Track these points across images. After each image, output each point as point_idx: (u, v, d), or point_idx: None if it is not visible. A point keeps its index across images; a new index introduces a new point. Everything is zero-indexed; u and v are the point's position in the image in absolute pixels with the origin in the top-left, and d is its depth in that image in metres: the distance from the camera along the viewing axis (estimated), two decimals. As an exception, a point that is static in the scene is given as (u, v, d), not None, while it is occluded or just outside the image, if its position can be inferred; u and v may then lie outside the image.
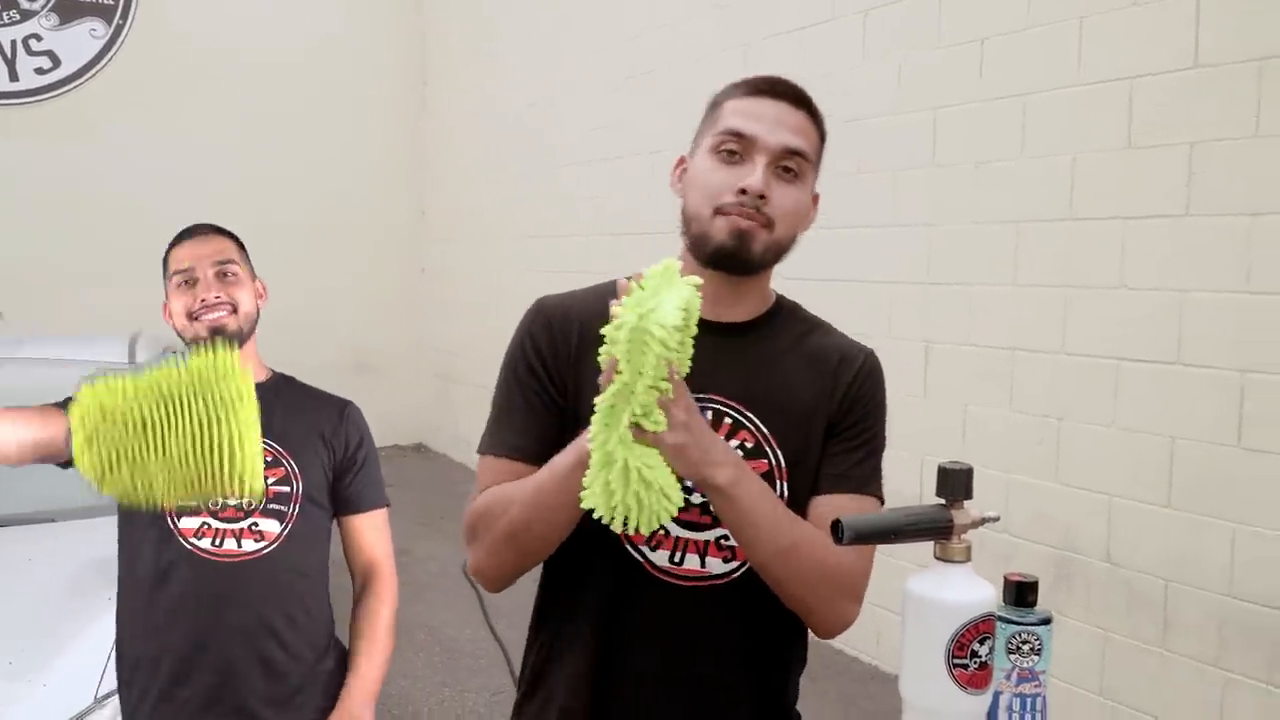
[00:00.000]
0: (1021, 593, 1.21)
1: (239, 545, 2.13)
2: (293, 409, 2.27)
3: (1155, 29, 3.64)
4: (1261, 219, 3.34)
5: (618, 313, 1.22)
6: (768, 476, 1.47)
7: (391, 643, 2.29)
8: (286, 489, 2.19)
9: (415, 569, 6.25)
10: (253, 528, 2.15)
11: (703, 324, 1.45)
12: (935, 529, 1.18)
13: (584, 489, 1.28)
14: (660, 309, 1.20)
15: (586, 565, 1.51)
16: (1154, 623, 3.65)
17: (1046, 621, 1.20)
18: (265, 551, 2.15)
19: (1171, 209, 3.60)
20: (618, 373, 1.23)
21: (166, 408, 1.55)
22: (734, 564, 1.48)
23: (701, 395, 1.46)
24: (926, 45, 4.53)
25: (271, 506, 2.18)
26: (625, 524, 1.28)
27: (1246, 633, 3.37)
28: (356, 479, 2.30)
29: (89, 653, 2.54)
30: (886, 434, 1.58)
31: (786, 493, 1.49)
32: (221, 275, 2.15)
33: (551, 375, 1.52)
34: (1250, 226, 3.37)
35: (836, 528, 1.16)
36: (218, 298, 2.13)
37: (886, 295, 4.69)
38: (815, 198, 1.56)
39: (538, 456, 1.47)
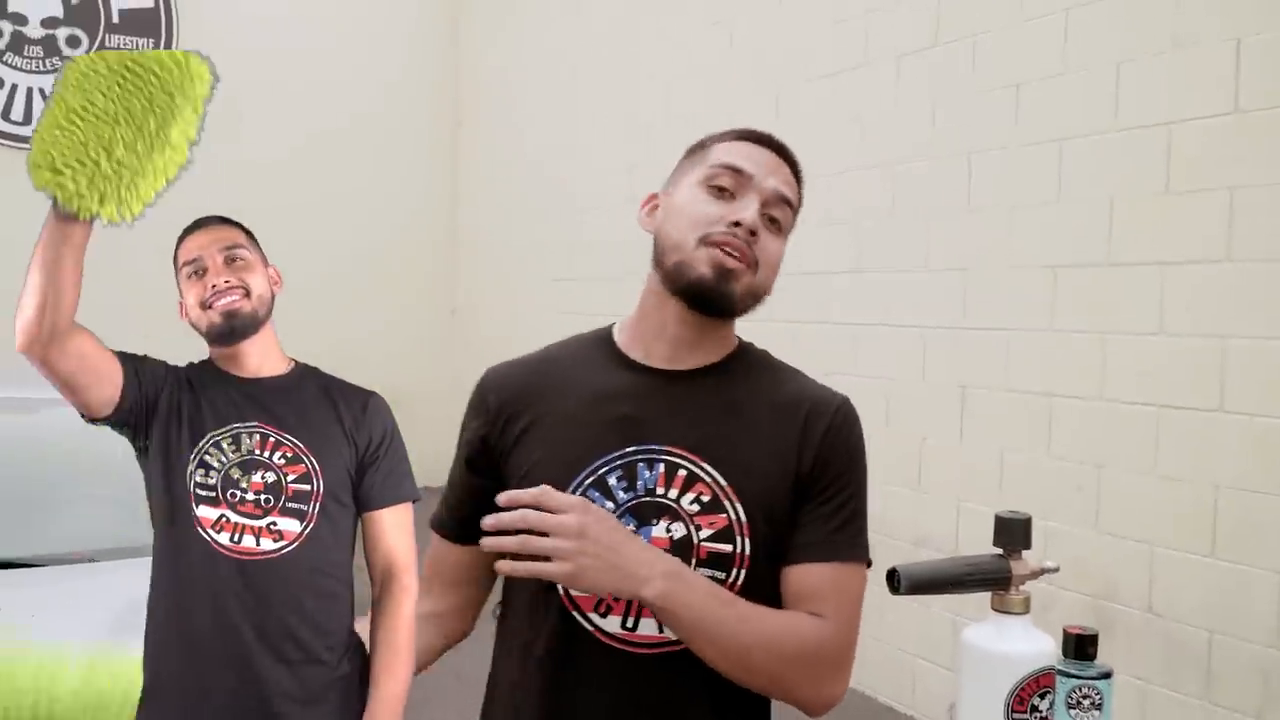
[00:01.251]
0: (1082, 645, 1.18)
1: (257, 544, 2.08)
2: (314, 403, 2.20)
3: (1194, 73, 3.63)
4: (1304, 265, 3.31)
5: None
6: (726, 532, 1.37)
7: (413, 652, 2.10)
8: (307, 487, 2.13)
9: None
10: (271, 527, 2.09)
11: (659, 373, 1.45)
12: (993, 580, 1.15)
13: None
14: None
15: (534, 631, 1.43)
16: (1196, 674, 3.58)
17: (1107, 675, 1.17)
18: (284, 552, 2.09)
19: (1211, 254, 3.57)
20: None
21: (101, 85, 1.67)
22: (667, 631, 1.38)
23: (655, 447, 1.40)
24: (961, 89, 4.53)
25: (291, 505, 2.11)
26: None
27: (1293, 686, 3.30)
28: (378, 473, 2.21)
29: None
30: (869, 492, 1.45)
31: (747, 549, 1.37)
32: (231, 261, 2.13)
33: (480, 445, 1.53)
34: (1293, 272, 3.34)
35: (892, 577, 1.14)
36: (228, 282, 2.11)
37: (919, 340, 4.66)
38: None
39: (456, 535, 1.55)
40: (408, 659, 2.11)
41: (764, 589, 1.38)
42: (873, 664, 4.54)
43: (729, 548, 1.37)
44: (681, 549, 1.36)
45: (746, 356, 1.52)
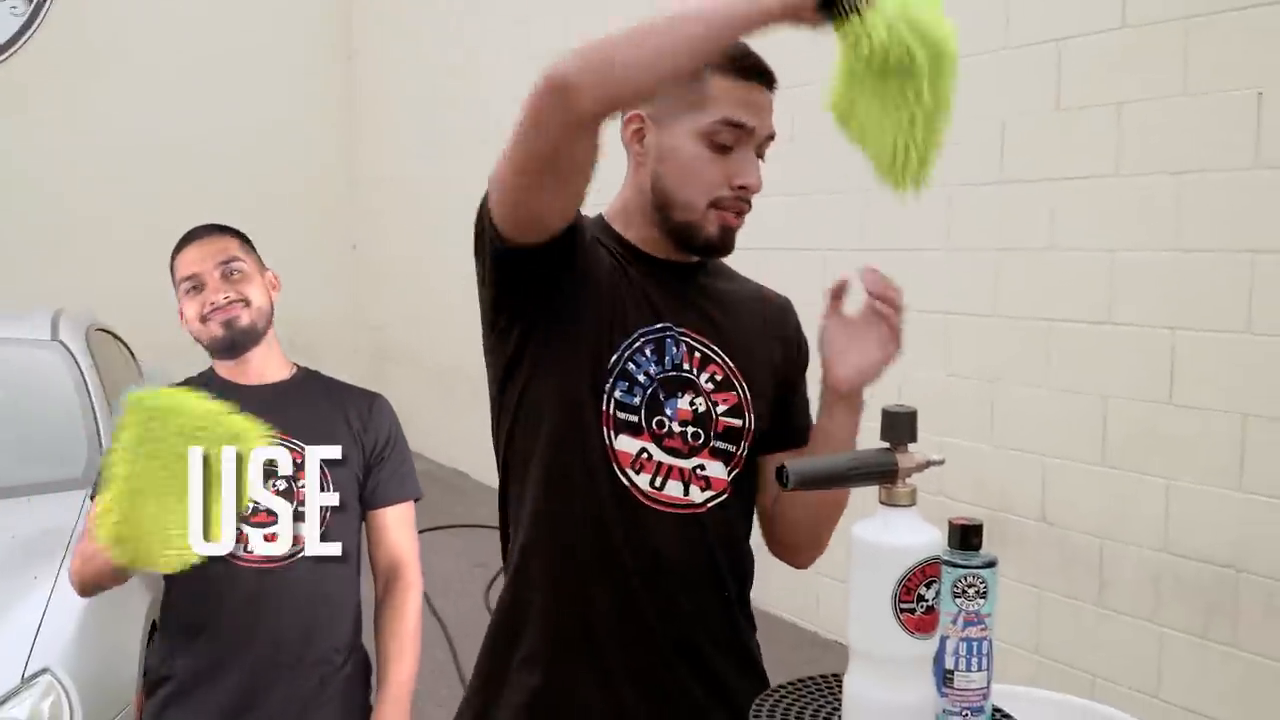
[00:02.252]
0: (966, 536, 1.19)
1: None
2: (318, 406, 2.20)
3: (1083, -10, 3.66)
4: (1187, 176, 3.37)
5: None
6: (737, 408, 1.52)
7: (419, 642, 2.20)
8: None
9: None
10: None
11: (662, 263, 1.55)
12: (880, 473, 1.15)
13: None
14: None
15: (566, 489, 1.49)
16: (1089, 580, 3.69)
17: (991, 564, 1.18)
18: (297, 556, 2.07)
19: (1100, 170, 3.62)
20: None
21: (148, 455, 1.65)
22: (709, 493, 1.50)
23: (675, 328, 1.51)
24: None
25: (303, 510, 2.09)
26: None
27: (1181, 587, 3.42)
28: (384, 472, 2.23)
29: (15, 634, 2.47)
30: None
31: (753, 424, 1.53)
32: (228, 274, 2.12)
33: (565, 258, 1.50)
34: (1178, 185, 3.40)
35: (781, 473, 1.14)
36: (227, 298, 2.10)
37: (820, 262, 4.68)
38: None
39: None
40: (415, 649, 2.18)
41: (753, 467, 1.56)
42: (776, 582, 4.60)
43: (739, 422, 1.52)
44: (702, 421, 1.50)
45: (714, 260, 1.63)
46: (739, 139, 1.47)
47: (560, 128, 1.30)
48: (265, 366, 2.20)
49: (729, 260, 1.63)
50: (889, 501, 1.16)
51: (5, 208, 8.06)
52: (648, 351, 1.49)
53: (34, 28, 8.45)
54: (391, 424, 2.27)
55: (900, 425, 1.17)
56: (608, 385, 1.47)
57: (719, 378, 1.52)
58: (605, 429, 1.46)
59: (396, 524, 2.23)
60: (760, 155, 1.51)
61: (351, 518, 2.18)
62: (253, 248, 2.23)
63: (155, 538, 1.66)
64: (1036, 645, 3.85)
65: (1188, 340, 3.39)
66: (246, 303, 2.11)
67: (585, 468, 1.47)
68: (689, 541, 1.49)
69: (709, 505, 1.50)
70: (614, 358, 1.47)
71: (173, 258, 2.17)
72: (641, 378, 1.48)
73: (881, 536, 1.14)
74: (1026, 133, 3.87)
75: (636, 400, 1.48)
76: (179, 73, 8.82)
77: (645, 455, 1.47)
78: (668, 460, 1.48)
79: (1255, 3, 3.19)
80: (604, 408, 1.47)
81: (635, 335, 1.49)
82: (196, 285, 2.11)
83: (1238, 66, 3.25)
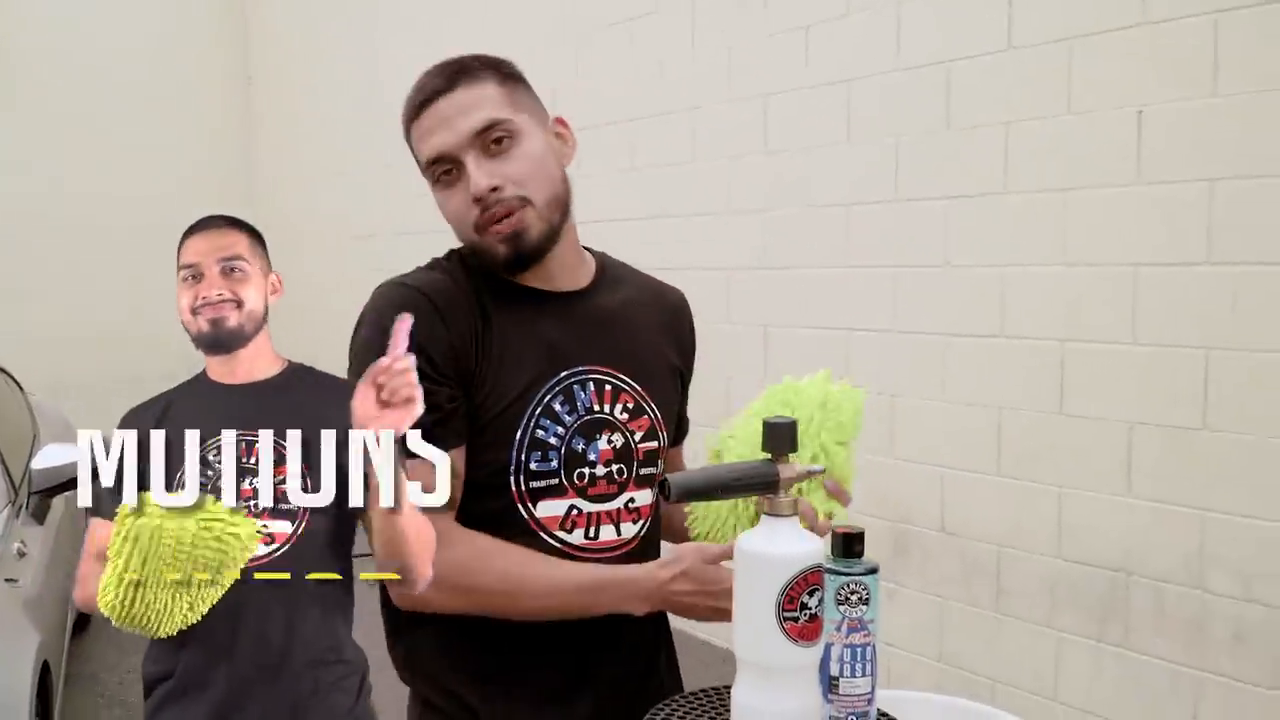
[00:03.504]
0: (849, 543, 1.21)
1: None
2: (308, 403, 2.13)
3: (970, 13, 3.75)
4: (1074, 193, 3.47)
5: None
6: (651, 430, 1.53)
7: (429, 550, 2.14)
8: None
9: (256, 580, 6.03)
10: (262, 530, 1.97)
11: (546, 295, 1.49)
12: (761, 484, 1.17)
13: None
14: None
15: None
16: (988, 588, 3.77)
17: (873, 571, 1.20)
18: (277, 554, 2.03)
19: (990, 187, 3.72)
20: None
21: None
22: (641, 523, 1.53)
23: (581, 368, 1.48)
24: (755, 34, 4.58)
25: (282, 507, 1.98)
26: None
27: (1075, 593, 3.51)
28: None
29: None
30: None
31: (665, 443, 1.56)
32: (228, 271, 2.07)
33: (448, 365, 1.44)
34: (1064, 200, 3.50)
35: (663, 486, 1.15)
36: (220, 295, 2.05)
37: (724, 281, 4.73)
38: (558, 120, 1.51)
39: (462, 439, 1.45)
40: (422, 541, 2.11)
41: None
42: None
43: (655, 444, 1.54)
44: (623, 455, 1.50)
45: (609, 268, 1.60)
46: (448, 164, 1.44)
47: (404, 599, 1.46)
48: (254, 365, 2.15)
49: (623, 255, 1.63)
50: (771, 511, 1.17)
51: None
52: (556, 406, 1.46)
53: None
54: None
55: (781, 436, 1.19)
56: (520, 460, 1.44)
57: (630, 405, 1.51)
58: (521, 505, 1.44)
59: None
60: (489, 146, 1.42)
61: (337, 521, 2.12)
62: (263, 247, 2.18)
63: (159, 617, 1.64)
64: (939, 653, 3.92)
65: (1076, 352, 3.48)
66: (239, 304, 2.06)
67: (512, 540, 1.45)
68: None
69: (640, 535, 1.53)
70: (519, 433, 1.44)
71: (180, 243, 2.13)
72: (553, 439, 1.45)
73: (764, 546, 1.15)
74: (920, 151, 3.96)
75: (554, 464, 1.45)
76: (68, 102, 8.59)
77: (575, 512, 1.47)
78: (596, 508, 1.48)
79: (1135, 23, 3.30)
80: (515, 488, 1.44)
81: (538, 396, 1.45)
82: (195, 275, 2.07)
83: (1118, 85, 3.36)
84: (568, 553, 1.46)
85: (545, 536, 1.45)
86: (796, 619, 1.14)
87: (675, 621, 1.63)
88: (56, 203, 8.48)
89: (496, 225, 1.42)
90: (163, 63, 9.06)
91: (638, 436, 1.52)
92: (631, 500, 1.50)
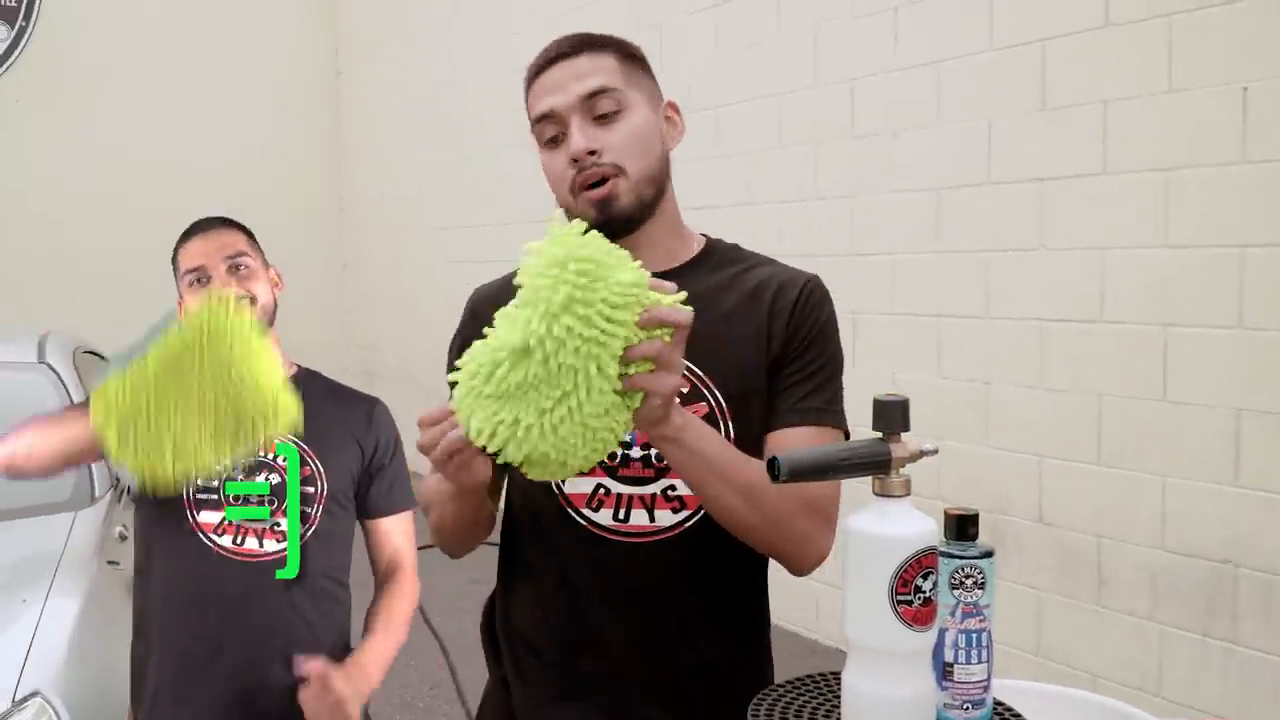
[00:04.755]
0: (962, 526, 1.17)
1: (260, 545, 2.03)
2: (318, 407, 2.12)
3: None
4: (1176, 173, 3.37)
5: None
6: (708, 419, 1.43)
7: (406, 634, 2.16)
8: (311, 489, 2.09)
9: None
10: (275, 527, 2.05)
11: None
12: (873, 463, 1.13)
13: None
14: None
15: (535, 531, 1.52)
16: (1088, 580, 3.68)
17: (989, 555, 1.16)
18: (278, 554, 2.06)
19: (1087, 168, 3.62)
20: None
21: (182, 365, 1.59)
22: (684, 514, 1.44)
23: None
24: (843, 16, 4.52)
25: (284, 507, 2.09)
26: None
27: (1179, 585, 3.41)
28: (384, 481, 2.21)
29: (5, 657, 2.43)
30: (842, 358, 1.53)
31: (732, 433, 1.43)
32: (234, 269, 2.08)
33: None
34: (1166, 181, 3.40)
35: (773, 465, 1.12)
36: (234, 294, 2.02)
37: (811, 267, 4.66)
38: (670, 105, 1.53)
39: None
40: (401, 634, 2.15)
41: None
42: (776, 591, 4.59)
43: None
44: None
45: (715, 252, 1.57)
46: (558, 124, 1.47)
47: None
48: None
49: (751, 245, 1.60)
50: (883, 492, 1.14)
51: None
52: None
53: (20, 48, 8.42)
54: (391, 431, 2.25)
55: (892, 414, 1.15)
56: None
57: (684, 390, 1.42)
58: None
59: (398, 533, 2.22)
60: (596, 117, 1.45)
61: (346, 518, 2.16)
62: (257, 244, 2.20)
63: (165, 443, 1.61)
64: (1037, 647, 3.83)
65: (1180, 336, 3.38)
66: (253, 300, 2.06)
67: (543, 515, 1.48)
68: (661, 565, 1.45)
69: (684, 526, 1.45)
70: None
71: (176, 248, 2.13)
72: None
73: (877, 527, 1.12)
74: (1013, 133, 3.87)
75: None
76: (166, 93, 8.81)
77: (602, 491, 1.44)
78: (628, 490, 1.44)
79: (1237, -3, 3.19)
80: None
81: None
82: (201, 278, 2.06)
83: (1222, 61, 3.25)
84: (594, 534, 1.45)
85: (571, 513, 1.46)
86: (910, 602, 1.10)
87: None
88: (150, 192, 8.68)
89: (589, 190, 1.43)
90: (256, 59, 9.23)
91: None
92: (672, 488, 1.43)
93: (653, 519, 1.44)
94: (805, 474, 1.13)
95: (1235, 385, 3.24)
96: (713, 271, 1.53)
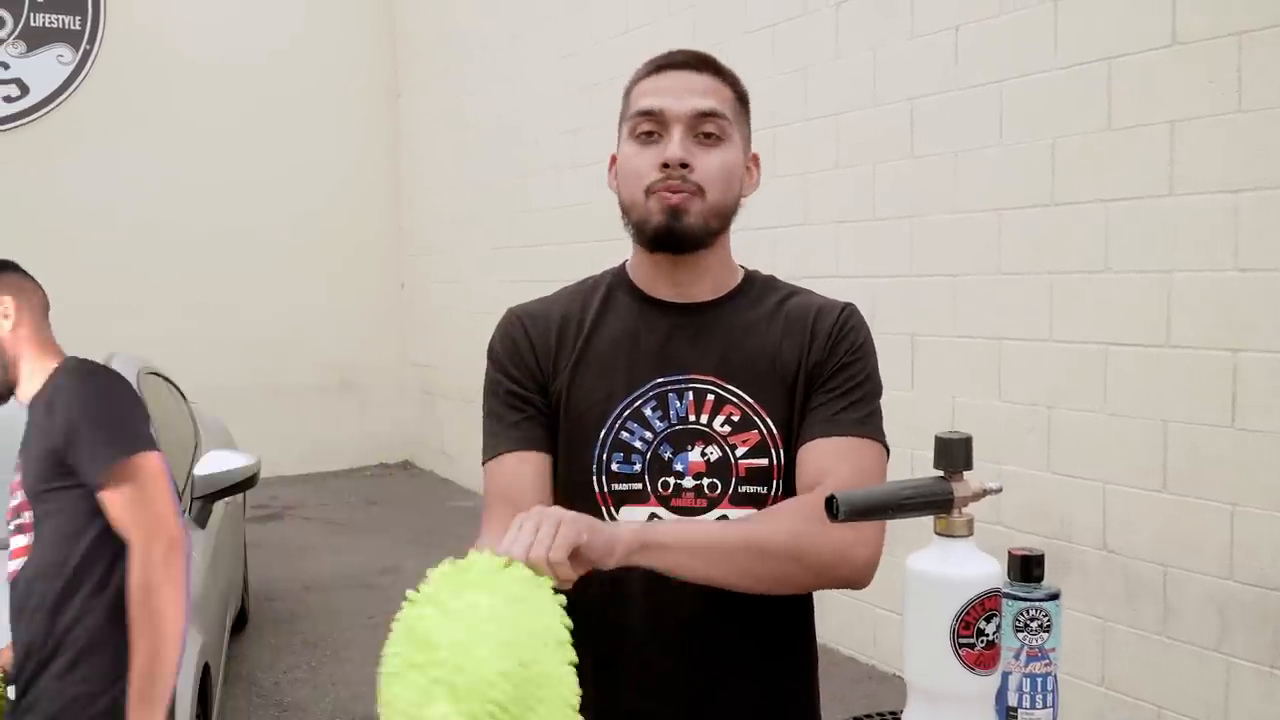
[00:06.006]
0: (1027, 567, 1.15)
1: (11, 565, 2.18)
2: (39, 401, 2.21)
3: (1131, 7, 3.60)
4: (1245, 195, 3.30)
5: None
6: (760, 446, 1.44)
7: (154, 619, 2.05)
8: (15, 500, 2.17)
9: (405, 585, 6.10)
10: (16, 544, 2.18)
11: (668, 305, 1.51)
12: (935, 502, 1.11)
13: None
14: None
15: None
16: (1153, 609, 3.60)
17: (1054, 597, 1.14)
18: (20, 566, 2.15)
19: (1154, 189, 3.56)
20: None
21: None
22: None
23: (680, 377, 1.46)
24: (900, 35, 4.48)
25: (15, 524, 2.17)
26: None
27: (1247, 616, 3.32)
28: (76, 453, 2.09)
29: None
30: (880, 381, 1.52)
31: (783, 459, 1.45)
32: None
33: (528, 380, 1.51)
34: (1235, 203, 3.33)
35: (831, 504, 1.10)
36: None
37: (870, 288, 4.63)
38: (754, 158, 1.56)
39: (544, 444, 1.48)
40: (149, 631, 2.06)
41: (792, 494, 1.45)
42: (834, 615, 4.53)
43: (764, 461, 1.45)
44: (719, 470, 1.44)
45: (755, 283, 1.58)
46: (659, 124, 1.46)
47: None
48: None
49: (786, 275, 1.60)
50: (945, 532, 1.12)
51: (57, 252, 8.13)
52: (647, 411, 1.46)
53: (82, 76, 8.58)
54: (72, 401, 2.13)
55: (955, 452, 1.13)
56: (602, 459, 1.46)
57: (735, 418, 1.45)
58: (604, 507, 1.45)
59: (113, 504, 2.10)
60: (699, 135, 1.46)
61: (58, 511, 2.14)
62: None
63: None
64: (1101, 677, 3.75)
65: (1249, 362, 3.30)
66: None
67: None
68: (708, 598, 1.40)
69: None
70: (603, 432, 1.46)
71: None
72: (638, 443, 1.46)
73: (938, 568, 1.10)
74: (1077, 153, 3.81)
75: (637, 468, 1.46)
76: (227, 115, 8.94)
77: (656, 520, 1.44)
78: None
79: (1309, 15, 3.12)
80: (598, 489, 1.46)
81: (627, 400, 1.47)
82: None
83: (1293, 81, 3.18)
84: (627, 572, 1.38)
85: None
86: (973, 645, 1.08)
87: (820, 639, 1.57)
88: (211, 213, 8.82)
89: (668, 193, 1.43)
90: (316, 81, 9.35)
91: (739, 451, 1.45)
92: (725, 518, 1.43)
93: None
94: (866, 512, 1.11)
95: (1307, 412, 3.16)
96: (755, 302, 1.55)
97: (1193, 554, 3.47)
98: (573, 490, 1.46)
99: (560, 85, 7.17)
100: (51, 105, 8.50)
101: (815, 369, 1.47)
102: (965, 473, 1.13)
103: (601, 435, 1.46)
